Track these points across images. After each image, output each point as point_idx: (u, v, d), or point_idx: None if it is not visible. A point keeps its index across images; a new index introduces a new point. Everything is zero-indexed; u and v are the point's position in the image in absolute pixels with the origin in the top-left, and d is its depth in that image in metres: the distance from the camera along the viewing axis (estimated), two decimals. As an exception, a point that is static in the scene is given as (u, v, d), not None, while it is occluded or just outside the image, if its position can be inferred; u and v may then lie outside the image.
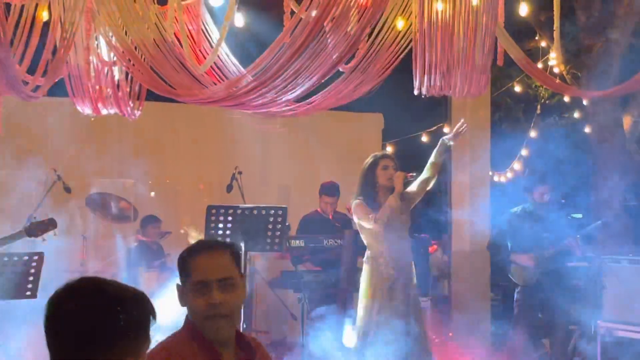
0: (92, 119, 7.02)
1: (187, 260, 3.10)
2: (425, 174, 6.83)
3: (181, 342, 3.00)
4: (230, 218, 6.73)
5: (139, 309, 2.21)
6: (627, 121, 11.48)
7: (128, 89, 6.81)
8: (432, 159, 6.83)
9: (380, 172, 6.68)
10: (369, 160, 6.80)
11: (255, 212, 6.85)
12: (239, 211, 6.80)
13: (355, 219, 6.74)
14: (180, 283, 3.11)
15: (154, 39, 5.94)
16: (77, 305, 2.14)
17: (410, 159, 8.82)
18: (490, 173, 10.91)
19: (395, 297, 6.49)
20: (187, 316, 3.08)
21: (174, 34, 6.17)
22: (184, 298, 3.09)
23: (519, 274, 8.04)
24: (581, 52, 11.11)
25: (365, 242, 6.77)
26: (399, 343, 6.34)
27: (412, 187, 6.82)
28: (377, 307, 6.47)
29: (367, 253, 6.72)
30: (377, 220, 6.49)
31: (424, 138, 11.65)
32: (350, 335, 6.75)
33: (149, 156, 10.80)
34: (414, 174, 6.76)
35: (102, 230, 9.63)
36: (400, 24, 6.54)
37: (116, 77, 6.76)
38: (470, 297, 9.30)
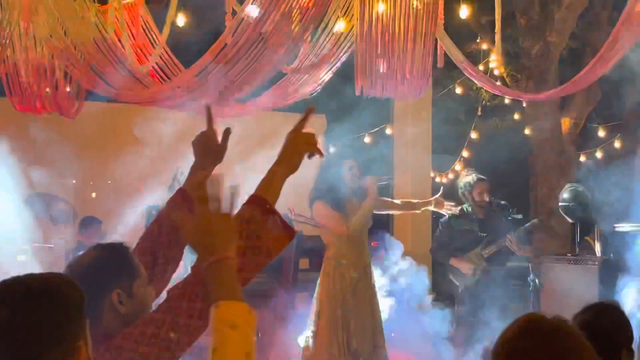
0: None
1: (132, 257, 2.87)
2: (398, 207, 6.92)
3: None
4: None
5: (71, 292, 2.17)
6: (565, 123, 11.67)
7: (67, 89, 6.72)
8: (416, 205, 6.91)
9: (347, 173, 6.50)
10: (331, 159, 6.67)
11: (196, 212, 6.80)
12: (179, 212, 6.74)
13: (317, 218, 6.55)
14: (123, 284, 2.77)
15: (93, 38, 5.88)
16: (6, 313, 2.06)
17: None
18: (432, 174, 11.00)
19: (358, 299, 6.37)
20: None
21: (115, 33, 6.11)
22: (132, 299, 2.80)
23: (460, 275, 8.11)
24: (521, 55, 11.27)
25: (324, 241, 6.61)
26: (363, 349, 6.29)
27: (386, 200, 6.83)
28: (339, 310, 6.34)
29: (327, 254, 6.55)
30: (351, 229, 6.36)
31: (367, 139, 11.69)
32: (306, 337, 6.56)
33: (89, 157, 10.68)
34: (389, 177, 6.69)
35: (41, 231, 9.47)
36: (342, 25, 6.57)
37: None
38: (413, 298, 9.34)
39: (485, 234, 8.02)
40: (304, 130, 2.79)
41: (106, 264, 2.77)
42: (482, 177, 8.21)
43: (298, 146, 2.77)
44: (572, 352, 1.93)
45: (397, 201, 7.27)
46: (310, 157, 2.79)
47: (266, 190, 2.70)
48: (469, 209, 8.15)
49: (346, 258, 6.42)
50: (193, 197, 2.36)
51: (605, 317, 3.30)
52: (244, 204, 2.66)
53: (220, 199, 2.31)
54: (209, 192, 2.30)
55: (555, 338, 1.95)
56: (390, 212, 7.12)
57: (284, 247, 2.65)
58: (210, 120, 3.18)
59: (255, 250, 2.57)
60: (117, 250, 2.86)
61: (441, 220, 8.32)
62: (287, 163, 2.76)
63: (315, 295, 6.50)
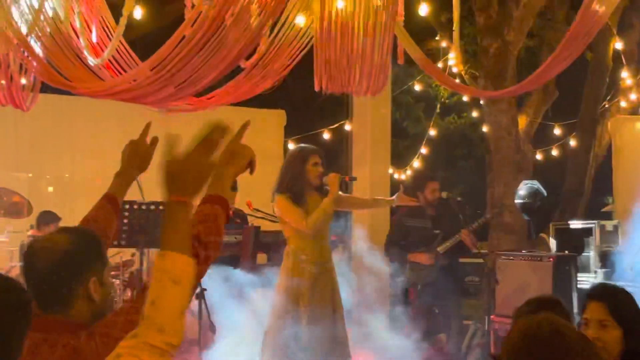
0: None
1: (101, 244, 2.79)
2: (362, 204, 6.97)
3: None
4: (127, 214, 6.64)
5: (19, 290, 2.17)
6: (522, 121, 11.78)
7: (23, 81, 6.63)
8: (379, 202, 6.96)
9: (311, 169, 6.39)
10: (297, 152, 6.60)
11: (152, 207, 6.77)
12: (135, 206, 6.71)
13: (277, 212, 6.47)
14: (96, 272, 2.69)
15: (49, 31, 5.82)
16: None
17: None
18: (391, 171, 11.03)
19: (318, 294, 6.35)
20: (59, 321, 2.65)
21: (71, 25, 6.05)
22: (103, 287, 2.71)
23: (417, 272, 8.08)
24: (479, 53, 11.35)
25: (285, 235, 6.54)
26: (323, 346, 6.27)
27: (347, 196, 6.82)
28: (298, 305, 6.29)
29: (287, 248, 6.49)
30: (309, 226, 6.29)
31: (326, 135, 11.69)
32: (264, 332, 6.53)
33: (46, 150, 10.59)
34: (354, 177, 6.67)
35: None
36: (301, 20, 6.56)
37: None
38: (370, 294, 9.36)
39: (438, 231, 8.03)
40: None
41: (83, 251, 2.68)
42: (433, 175, 8.24)
43: (245, 150, 2.67)
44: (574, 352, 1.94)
45: (363, 198, 7.23)
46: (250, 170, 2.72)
47: (220, 189, 2.64)
48: (421, 206, 8.09)
49: (306, 253, 6.39)
50: (199, 135, 2.26)
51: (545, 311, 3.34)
52: (206, 203, 2.60)
53: (217, 147, 2.29)
54: (210, 137, 2.27)
55: (557, 339, 1.95)
56: (355, 210, 7.10)
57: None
58: (144, 133, 3.36)
59: (211, 245, 2.53)
60: (90, 236, 2.79)
61: (393, 218, 8.29)
62: (236, 165, 2.67)
63: (274, 290, 6.47)
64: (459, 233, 7.92)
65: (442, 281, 7.97)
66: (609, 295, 3.49)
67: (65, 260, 2.62)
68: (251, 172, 2.73)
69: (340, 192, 6.55)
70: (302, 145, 6.64)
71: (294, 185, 6.38)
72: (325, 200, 6.36)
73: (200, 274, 2.47)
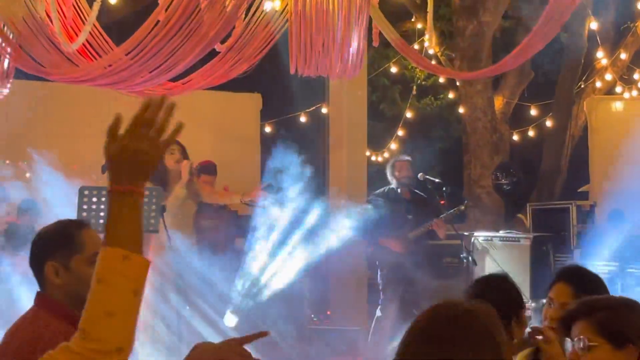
0: None
1: (77, 234, 2.89)
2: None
3: (45, 324, 2.77)
4: (103, 200, 6.59)
5: None
6: (498, 102, 11.81)
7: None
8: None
9: (168, 157, 6.74)
10: None
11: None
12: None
13: None
14: (58, 257, 2.86)
15: (22, 16, 5.76)
16: None
17: (288, 139, 8.82)
18: (368, 153, 11.04)
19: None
20: (43, 295, 2.89)
21: (45, 10, 5.99)
22: (68, 272, 2.84)
23: (384, 256, 7.95)
24: (455, 34, 11.36)
25: None
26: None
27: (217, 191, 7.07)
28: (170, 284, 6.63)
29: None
30: (168, 210, 6.52)
31: (302, 118, 11.68)
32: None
33: (21, 137, 10.48)
34: (198, 166, 6.98)
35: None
36: (276, 3, 6.53)
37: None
38: (348, 276, 9.36)
39: (410, 216, 7.94)
40: None
41: (46, 237, 2.94)
42: (404, 157, 8.20)
43: None
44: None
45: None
46: None
47: None
48: (395, 190, 8.04)
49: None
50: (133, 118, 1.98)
51: (492, 289, 3.39)
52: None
53: (162, 128, 2.00)
54: (149, 116, 1.99)
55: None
56: (228, 202, 7.40)
57: None
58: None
59: None
60: (62, 225, 2.97)
61: (371, 198, 8.20)
62: None
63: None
64: (431, 220, 7.86)
65: (414, 265, 7.82)
66: (576, 277, 3.49)
67: (32, 246, 2.93)
68: None
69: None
70: None
71: (157, 173, 6.65)
72: (177, 187, 6.77)
73: None
